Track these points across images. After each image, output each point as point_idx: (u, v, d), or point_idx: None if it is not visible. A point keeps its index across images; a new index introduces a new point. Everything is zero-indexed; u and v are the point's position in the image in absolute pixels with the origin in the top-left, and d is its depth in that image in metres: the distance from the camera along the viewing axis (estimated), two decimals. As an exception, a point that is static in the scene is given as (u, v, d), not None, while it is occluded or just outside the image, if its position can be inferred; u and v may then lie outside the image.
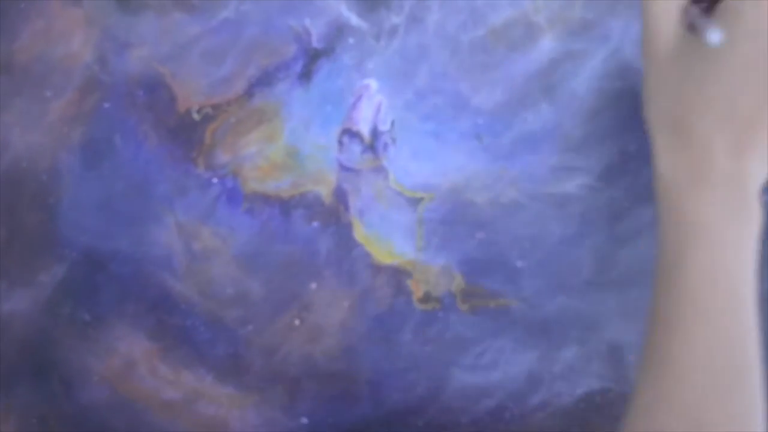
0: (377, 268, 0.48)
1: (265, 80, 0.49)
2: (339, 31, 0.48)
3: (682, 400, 0.32)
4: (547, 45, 0.45)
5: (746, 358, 0.32)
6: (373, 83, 0.48)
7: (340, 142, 0.48)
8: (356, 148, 0.48)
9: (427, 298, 0.48)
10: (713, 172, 0.33)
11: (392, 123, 0.48)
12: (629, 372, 0.46)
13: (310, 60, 0.48)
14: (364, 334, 0.49)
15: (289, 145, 0.49)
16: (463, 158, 0.47)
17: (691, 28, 0.35)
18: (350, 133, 0.48)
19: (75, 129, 0.51)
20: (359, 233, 0.48)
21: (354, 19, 0.47)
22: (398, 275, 0.48)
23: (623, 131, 0.45)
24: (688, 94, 0.34)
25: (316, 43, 0.48)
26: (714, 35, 0.33)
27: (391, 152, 0.48)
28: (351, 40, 0.47)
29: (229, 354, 0.50)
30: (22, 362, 0.53)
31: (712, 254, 0.33)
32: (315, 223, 0.49)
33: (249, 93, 0.49)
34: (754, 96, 0.33)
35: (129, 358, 0.52)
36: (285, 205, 0.49)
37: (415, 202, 0.48)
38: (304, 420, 0.49)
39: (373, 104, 0.48)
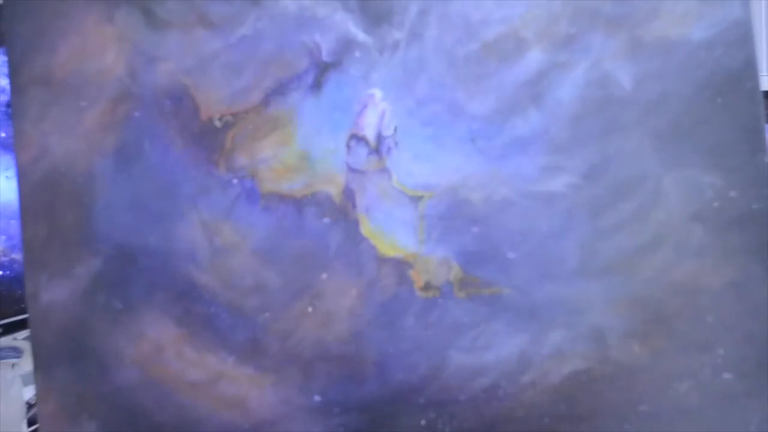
0: (382, 260, 0.51)
1: (279, 91, 0.51)
2: (346, 45, 0.50)
3: None
4: (534, 57, 0.48)
5: None
6: (377, 92, 0.50)
7: (348, 146, 0.51)
8: (362, 151, 0.51)
9: (427, 286, 0.50)
10: None
11: (395, 128, 0.50)
12: (611, 353, 0.48)
13: (321, 72, 0.51)
14: (370, 320, 0.51)
15: (302, 149, 0.51)
16: (459, 160, 0.49)
17: None
18: (357, 138, 0.51)
19: (108, 136, 0.54)
20: (366, 228, 0.51)
21: (360, 35, 0.50)
22: (401, 266, 0.50)
23: (604, 135, 0.48)
24: None
25: (325, 56, 0.51)
26: None
27: (394, 155, 0.50)
28: (357, 54, 0.50)
29: (248, 338, 0.53)
30: (61, 347, 0.56)
31: None
32: (326, 220, 0.51)
33: (265, 102, 0.52)
34: None
35: (158, 343, 0.54)
36: (298, 204, 0.52)
37: (416, 200, 0.50)
38: (317, 398, 0.52)
39: (378, 111, 0.50)
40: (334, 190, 0.51)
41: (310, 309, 0.52)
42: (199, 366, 0.54)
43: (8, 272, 0.93)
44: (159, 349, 0.55)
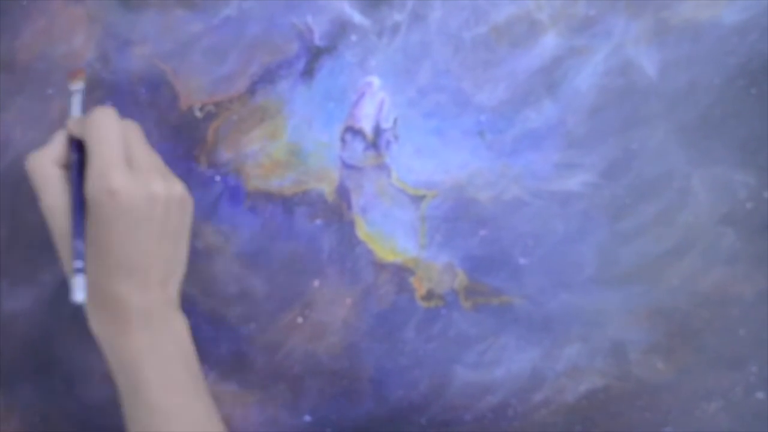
0: (380, 266, 0.48)
1: (267, 78, 0.49)
2: (341, 28, 0.47)
3: None
4: (549, 42, 0.45)
5: None
6: (375, 80, 0.47)
7: (343, 140, 0.48)
8: (359, 145, 0.48)
9: (430, 295, 0.48)
10: (132, 311, 0.40)
11: (395, 120, 0.47)
12: (632, 369, 0.46)
13: (313, 57, 0.48)
14: (366, 332, 0.48)
15: (292, 143, 0.49)
16: (465, 155, 0.47)
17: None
18: (353, 131, 0.48)
19: (77, 127, 0.51)
20: (362, 231, 0.48)
21: (356, 17, 0.47)
22: (401, 273, 0.48)
23: (626, 128, 0.45)
24: (101, 272, 0.40)
25: (318, 40, 0.48)
26: (78, 295, 0.39)
27: (393, 149, 0.48)
28: (353, 38, 0.47)
29: (231, 352, 0.50)
30: (24, 361, 0.52)
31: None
32: (317, 221, 0.49)
33: (251, 91, 0.49)
34: (137, 252, 0.40)
35: (131, 356, 0.51)
36: (287, 203, 0.49)
37: (417, 199, 0.47)
38: (307, 418, 0.49)
39: (376, 101, 0.48)
40: (327, 188, 0.48)
41: (300, 319, 0.49)
42: (177, 382, 0.51)
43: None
44: (133, 363, 0.51)
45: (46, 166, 0.41)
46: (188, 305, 0.50)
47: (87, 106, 0.51)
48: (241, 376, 0.50)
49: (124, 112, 0.50)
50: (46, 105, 0.51)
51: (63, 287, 0.52)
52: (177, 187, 0.42)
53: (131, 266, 0.40)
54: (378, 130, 0.48)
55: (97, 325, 0.41)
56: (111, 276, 0.39)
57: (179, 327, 0.42)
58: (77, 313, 0.52)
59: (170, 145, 0.50)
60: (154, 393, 0.39)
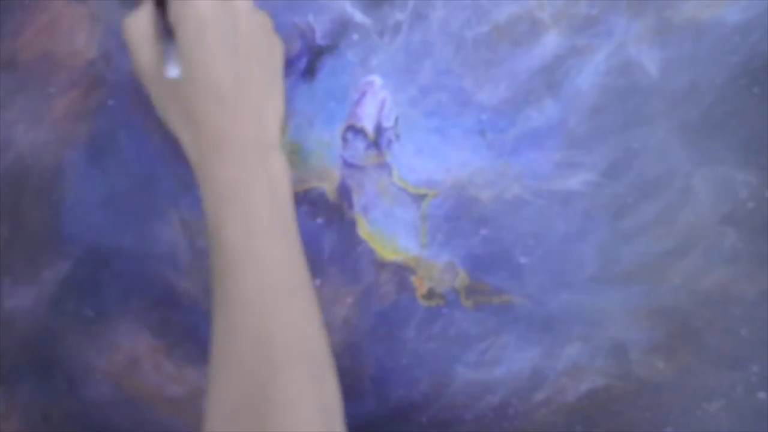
0: (381, 265, 0.48)
1: (268, 77, 0.48)
2: (343, 27, 0.47)
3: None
4: (551, 41, 0.45)
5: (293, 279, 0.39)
6: (377, 79, 0.47)
7: (344, 139, 0.48)
8: (360, 144, 0.48)
9: (431, 294, 0.48)
10: (228, 143, 0.39)
11: (396, 119, 0.47)
12: (633, 368, 0.46)
13: (314, 56, 0.48)
14: (367, 331, 0.48)
15: (293, 142, 0.49)
16: (466, 154, 0.47)
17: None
18: (354, 130, 0.48)
19: (79, 126, 0.51)
20: (363, 230, 0.48)
21: (358, 16, 0.47)
22: (402, 272, 0.48)
23: (627, 127, 0.45)
24: (193, 97, 0.39)
25: (320, 39, 0.48)
26: (172, 71, 0.37)
27: (395, 148, 0.48)
28: (355, 37, 0.47)
29: (232, 350, 0.50)
30: (26, 359, 0.52)
31: (247, 209, 0.38)
32: (319, 220, 0.49)
33: (253, 90, 0.49)
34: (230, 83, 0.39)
35: (133, 355, 0.51)
36: (289, 202, 0.49)
37: (419, 198, 0.47)
38: (308, 416, 0.49)
39: (377, 100, 0.48)
40: (328, 187, 0.48)
41: (301, 318, 0.49)
42: (178, 381, 0.51)
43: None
44: (134, 361, 0.51)
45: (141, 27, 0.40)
46: (190, 304, 0.50)
47: (87, 105, 0.51)
48: (242, 375, 0.50)
49: (126, 111, 0.50)
50: (47, 104, 0.51)
51: (64, 286, 0.52)
52: (261, 14, 0.42)
53: (221, 91, 0.38)
54: (379, 129, 0.48)
55: (193, 156, 0.39)
56: (203, 103, 0.39)
57: (276, 168, 0.40)
58: (78, 312, 0.52)
59: (172, 144, 0.50)
60: (231, 231, 0.37)
